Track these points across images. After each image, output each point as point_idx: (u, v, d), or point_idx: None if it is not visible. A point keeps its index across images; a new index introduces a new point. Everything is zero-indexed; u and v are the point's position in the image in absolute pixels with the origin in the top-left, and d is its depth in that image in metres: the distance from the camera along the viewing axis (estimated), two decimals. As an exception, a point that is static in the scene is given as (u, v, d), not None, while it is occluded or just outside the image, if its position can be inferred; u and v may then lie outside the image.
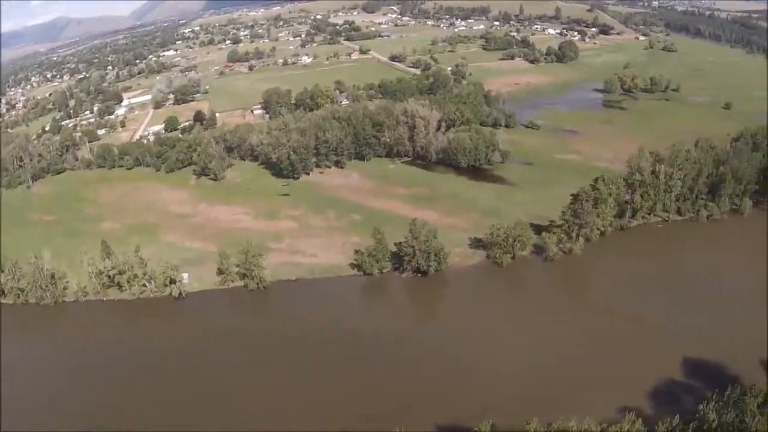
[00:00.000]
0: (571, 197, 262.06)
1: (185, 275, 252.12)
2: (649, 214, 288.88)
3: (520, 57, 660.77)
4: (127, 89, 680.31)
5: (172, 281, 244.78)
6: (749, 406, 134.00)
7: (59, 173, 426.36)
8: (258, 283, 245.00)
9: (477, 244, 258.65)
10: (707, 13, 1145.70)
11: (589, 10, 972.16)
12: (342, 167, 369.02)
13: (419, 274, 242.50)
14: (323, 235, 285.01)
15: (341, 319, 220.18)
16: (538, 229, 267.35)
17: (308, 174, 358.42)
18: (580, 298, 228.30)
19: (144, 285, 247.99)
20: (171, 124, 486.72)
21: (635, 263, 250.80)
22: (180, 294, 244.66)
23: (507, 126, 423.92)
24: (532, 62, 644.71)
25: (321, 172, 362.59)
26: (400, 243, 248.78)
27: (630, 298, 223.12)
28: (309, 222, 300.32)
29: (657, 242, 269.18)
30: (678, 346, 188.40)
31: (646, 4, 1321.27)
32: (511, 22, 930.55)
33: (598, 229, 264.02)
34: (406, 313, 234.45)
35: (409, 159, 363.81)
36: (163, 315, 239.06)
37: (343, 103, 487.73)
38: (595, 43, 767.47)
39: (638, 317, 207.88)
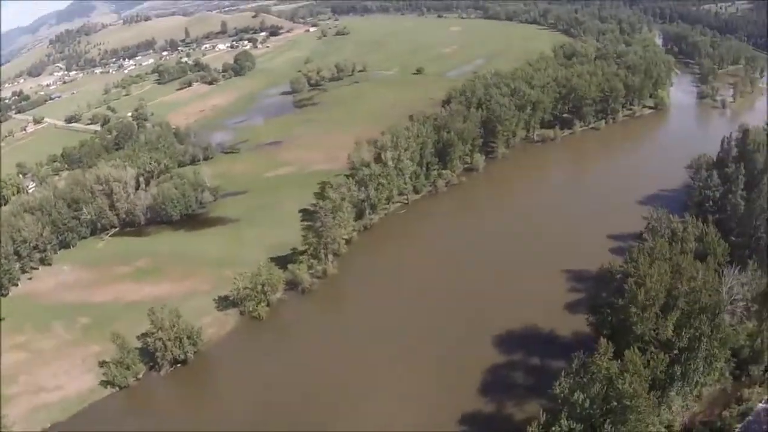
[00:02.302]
0: (304, 214, 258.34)
1: None
2: (388, 203, 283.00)
3: (197, 82, 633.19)
4: None
5: None
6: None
7: None
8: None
9: (226, 303, 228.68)
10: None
11: (254, 16, 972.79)
12: (50, 264, 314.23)
13: (179, 364, 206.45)
14: (60, 356, 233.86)
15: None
16: (282, 261, 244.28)
17: (17, 285, 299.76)
18: (350, 335, 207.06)
19: None
20: None
21: (389, 265, 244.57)
22: None
23: (207, 159, 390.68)
24: (211, 84, 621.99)
25: (30, 278, 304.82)
26: (145, 335, 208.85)
27: (394, 316, 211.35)
28: (39, 346, 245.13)
29: (404, 231, 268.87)
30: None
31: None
32: (179, 48, 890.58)
33: (342, 238, 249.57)
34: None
35: (117, 229, 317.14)
36: None
37: (30, 188, 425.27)
38: (268, 47, 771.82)
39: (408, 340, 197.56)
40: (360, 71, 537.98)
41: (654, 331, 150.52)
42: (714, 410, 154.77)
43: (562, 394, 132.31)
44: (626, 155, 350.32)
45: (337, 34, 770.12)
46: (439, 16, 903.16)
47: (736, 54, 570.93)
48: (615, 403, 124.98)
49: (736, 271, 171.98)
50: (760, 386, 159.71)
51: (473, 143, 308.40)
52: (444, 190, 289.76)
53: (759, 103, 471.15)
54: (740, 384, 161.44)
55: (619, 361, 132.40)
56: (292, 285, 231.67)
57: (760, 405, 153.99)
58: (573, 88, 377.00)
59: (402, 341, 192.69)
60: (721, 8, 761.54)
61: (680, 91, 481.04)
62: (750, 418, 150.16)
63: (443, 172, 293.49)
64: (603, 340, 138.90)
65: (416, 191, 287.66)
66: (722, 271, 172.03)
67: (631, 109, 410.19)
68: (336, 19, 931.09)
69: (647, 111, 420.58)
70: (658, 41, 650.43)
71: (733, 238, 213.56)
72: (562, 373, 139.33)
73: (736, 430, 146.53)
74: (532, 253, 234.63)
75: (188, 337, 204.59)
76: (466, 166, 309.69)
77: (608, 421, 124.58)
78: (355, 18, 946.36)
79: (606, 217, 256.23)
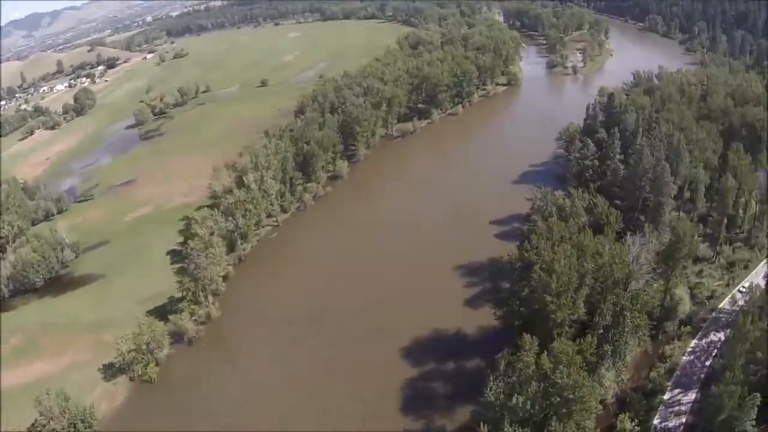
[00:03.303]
0: (173, 256, 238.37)
1: None
2: (258, 228, 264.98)
3: (39, 128, 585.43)
4: None
5: None
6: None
7: None
8: None
9: (113, 371, 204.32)
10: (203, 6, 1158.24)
11: (89, 51, 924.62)
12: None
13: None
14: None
15: None
16: (162, 312, 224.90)
17: None
18: (246, 383, 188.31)
19: None
20: None
21: (273, 296, 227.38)
22: None
23: (61, 212, 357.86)
24: (53, 128, 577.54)
25: None
26: (34, 426, 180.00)
27: (290, 351, 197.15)
28: None
29: (280, 255, 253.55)
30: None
31: (140, 23, 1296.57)
32: (17, 95, 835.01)
33: (219, 276, 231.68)
34: None
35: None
36: None
37: None
38: (107, 81, 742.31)
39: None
40: (204, 92, 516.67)
41: (572, 314, 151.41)
42: (640, 373, 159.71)
43: (498, 400, 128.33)
44: (489, 136, 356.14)
45: (176, 57, 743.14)
46: (277, 24, 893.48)
47: (579, 20, 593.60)
48: (557, 399, 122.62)
49: (637, 238, 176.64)
50: (678, 340, 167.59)
51: (334, 150, 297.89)
52: (312, 203, 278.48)
53: (609, 64, 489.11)
54: (658, 343, 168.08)
55: (546, 353, 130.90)
56: (178, 336, 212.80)
57: (684, 358, 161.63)
58: (426, 77, 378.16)
59: (306, 378, 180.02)
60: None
61: (530, 64, 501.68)
62: (677, 372, 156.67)
63: (308, 185, 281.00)
64: (526, 336, 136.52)
65: (284, 210, 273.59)
66: (624, 240, 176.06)
67: (485, 89, 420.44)
68: (172, 42, 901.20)
69: (501, 88, 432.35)
70: (500, 18, 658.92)
71: (618, 202, 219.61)
72: (491, 378, 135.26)
73: (668, 386, 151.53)
74: (417, 254, 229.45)
75: (82, 421, 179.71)
76: (330, 174, 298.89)
77: (554, 418, 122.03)
78: (191, 38, 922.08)
79: (483, 203, 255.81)
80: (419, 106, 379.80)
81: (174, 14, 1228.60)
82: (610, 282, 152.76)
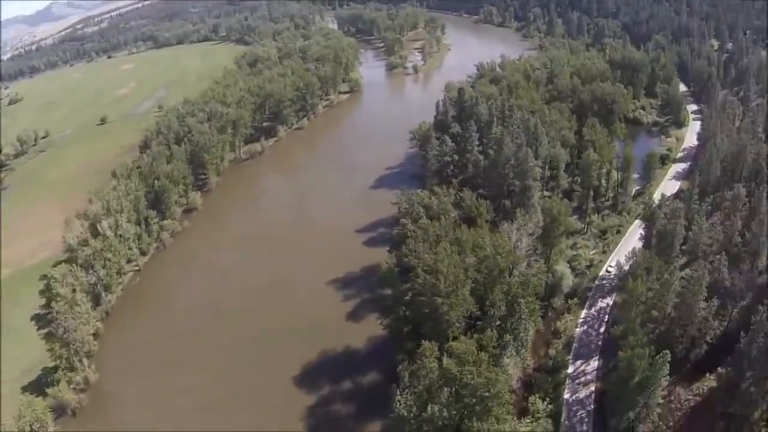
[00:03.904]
0: (38, 321, 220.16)
1: None
2: (120, 276, 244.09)
3: None
4: None
5: None
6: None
7: None
8: None
9: None
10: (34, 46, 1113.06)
11: None
12: None
13: None
14: None
15: None
16: (38, 386, 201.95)
17: None
18: None
19: None
20: None
21: (147, 348, 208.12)
22: None
23: None
24: None
25: None
26: None
27: (177, 406, 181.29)
28: None
29: (148, 303, 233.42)
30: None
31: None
32: None
33: (90, 335, 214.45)
34: None
35: None
36: None
37: None
38: None
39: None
40: (43, 138, 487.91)
41: (465, 312, 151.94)
42: (539, 353, 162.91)
43: (411, 413, 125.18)
44: (339, 146, 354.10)
45: (11, 103, 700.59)
46: (110, 57, 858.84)
47: (414, 19, 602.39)
48: (472, 399, 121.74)
49: (514, 225, 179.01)
50: (568, 314, 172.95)
51: (185, 182, 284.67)
52: (171, 241, 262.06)
53: (448, 60, 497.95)
54: (549, 320, 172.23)
55: (447, 355, 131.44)
56: (61, 410, 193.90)
57: (578, 330, 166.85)
58: (268, 95, 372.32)
59: (201, 423, 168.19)
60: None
61: (370, 68, 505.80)
62: (575, 344, 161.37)
63: (164, 223, 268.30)
64: (426, 343, 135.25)
65: (143, 253, 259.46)
66: (500, 229, 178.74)
67: (328, 99, 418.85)
68: (7, 87, 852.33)
69: (344, 96, 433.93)
70: (334, 26, 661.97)
71: (483, 192, 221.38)
72: (397, 391, 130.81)
73: (569, 360, 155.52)
74: (287, 276, 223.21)
75: None
76: (184, 207, 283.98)
77: (473, 418, 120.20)
78: (25, 81, 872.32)
79: (345, 213, 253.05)
80: (264, 124, 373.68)
81: (5, 57, 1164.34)
82: (496, 272, 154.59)
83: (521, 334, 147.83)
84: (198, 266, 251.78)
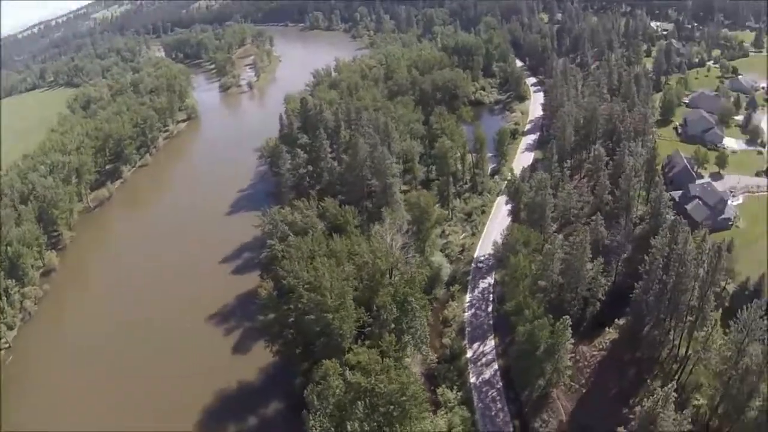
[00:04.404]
0: None
1: None
2: None
3: None
4: None
5: None
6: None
7: None
8: None
9: None
10: None
11: None
12: None
13: None
14: None
15: None
16: None
17: None
18: None
19: None
20: None
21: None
22: None
23: None
24: None
25: None
26: None
27: None
28: None
29: (25, 382, 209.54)
30: None
31: None
32: None
33: None
34: None
35: None
36: None
37: None
38: None
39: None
40: None
41: (357, 322, 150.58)
42: (434, 344, 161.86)
43: None
44: (186, 177, 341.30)
45: None
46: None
47: (242, 35, 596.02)
48: (390, 407, 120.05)
49: (386, 224, 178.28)
50: (453, 301, 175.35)
51: (38, 243, 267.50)
52: (35, 309, 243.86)
53: (281, 71, 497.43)
54: (435, 310, 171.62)
55: (350, 369, 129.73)
56: None
57: (466, 314, 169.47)
58: (107, 135, 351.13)
59: None
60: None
61: (204, 92, 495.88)
62: (467, 329, 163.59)
63: (25, 290, 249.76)
64: (327, 362, 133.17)
65: (10, 327, 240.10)
66: (372, 232, 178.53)
67: (167, 130, 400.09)
68: None
69: (183, 125, 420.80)
70: (161, 54, 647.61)
71: (342, 198, 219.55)
72: (309, 416, 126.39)
73: (466, 345, 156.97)
74: (162, 323, 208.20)
75: None
76: (42, 270, 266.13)
77: (394, 424, 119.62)
78: None
79: (206, 244, 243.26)
80: (107, 167, 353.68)
81: None
82: (379, 276, 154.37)
83: (419, 332, 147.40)
84: (65, 333, 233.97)
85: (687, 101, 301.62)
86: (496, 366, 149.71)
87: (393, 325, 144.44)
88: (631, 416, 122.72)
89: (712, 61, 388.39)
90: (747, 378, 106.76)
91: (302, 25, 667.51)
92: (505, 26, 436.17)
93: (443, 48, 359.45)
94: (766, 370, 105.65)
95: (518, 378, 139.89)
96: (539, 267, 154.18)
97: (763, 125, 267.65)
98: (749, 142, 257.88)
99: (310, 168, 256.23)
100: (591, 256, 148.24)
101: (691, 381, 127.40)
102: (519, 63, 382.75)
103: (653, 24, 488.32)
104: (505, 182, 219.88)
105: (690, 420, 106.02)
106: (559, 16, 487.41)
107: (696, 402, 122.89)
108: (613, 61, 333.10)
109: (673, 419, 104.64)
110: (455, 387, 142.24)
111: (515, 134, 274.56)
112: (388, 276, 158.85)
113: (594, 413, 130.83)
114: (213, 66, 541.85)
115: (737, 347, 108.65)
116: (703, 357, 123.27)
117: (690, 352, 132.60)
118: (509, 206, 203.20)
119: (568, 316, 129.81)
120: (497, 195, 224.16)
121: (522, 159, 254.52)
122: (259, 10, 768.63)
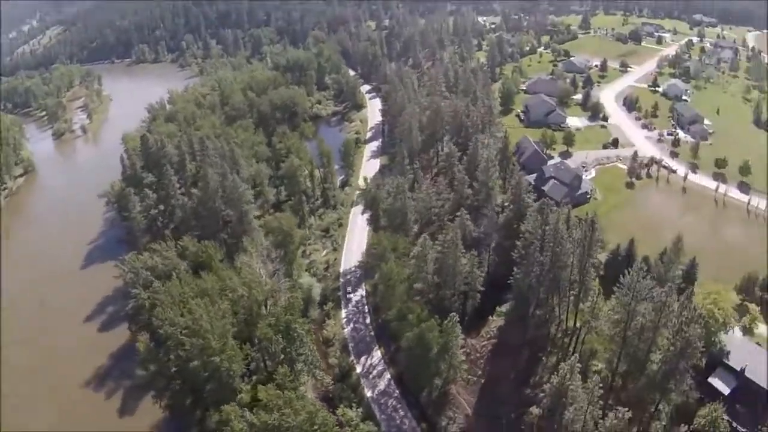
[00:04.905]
0: None
1: None
2: None
3: None
4: None
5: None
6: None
7: None
8: None
9: None
10: None
11: None
12: None
13: None
14: None
15: None
16: None
17: None
18: None
19: None
20: None
21: None
22: None
23: None
24: None
25: None
26: None
27: None
28: None
29: None
30: None
31: None
32: None
33: None
34: None
35: None
36: None
37: None
38: None
39: None
40: None
41: (245, 358, 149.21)
42: (322, 366, 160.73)
43: None
44: (32, 235, 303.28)
45: None
46: None
47: (69, 78, 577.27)
48: None
49: (253, 252, 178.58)
50: (330, 319, 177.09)
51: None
52: None
53: (114, 111, 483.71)
54: (314, 332, 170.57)
55: (251, 411, 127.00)
56: None
57: (345, 330, 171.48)
58: None
59: None
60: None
61: (38, 141, 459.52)
62: (351, 344, 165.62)
63: None
64: (228, 407, 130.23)
65: None
66: (241, 263, 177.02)
67: (6, 188, 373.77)
68: None
69: (21, 180, 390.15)
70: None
71: (197, 233, 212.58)
72: None
73: (353, 361, 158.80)
74: (34, 397, 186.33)
75: None
76: None
77: None
78: None
79: (64, 308, 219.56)
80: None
81: None
82: (256, 308, 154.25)
83: (309, 357, 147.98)
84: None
85: (525, 88, 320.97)
86: (388, 375, 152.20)
87: (282, 356, 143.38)
88: (535, 395, 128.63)
89: (542, 47, 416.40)
90: (643, 335, 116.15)
91: (128, 60, 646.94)
92: (334, 38, 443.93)
93: (275, 66, 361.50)
94: (660, 325, 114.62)
95: (413, 382, 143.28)
96: (413, 270, 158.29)
97: (602, 100, 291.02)
98: (591, 118, 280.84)
99: (161, 207, 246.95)
100: (463, 250, 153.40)
101: (585, 350, 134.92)
102: (352, 72, 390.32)
103: (480, 19, 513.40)
104: (357, 192, 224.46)
105: (600, 385, 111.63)
106: (386, 22, 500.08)
107: (595, 368, 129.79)
108: (446, 58, 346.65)
109: (582, 387, 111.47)
110: (353, 405, 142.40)
111: (357, 143, 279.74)
112: (264, 307, 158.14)
113: (497, 401, 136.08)
114: (44, 113, 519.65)
115: (626, 309, 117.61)
116: (594, 325, 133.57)
117: (578, 323, 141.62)
118: (366, 216, 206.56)
119: (454, 313, 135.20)
120: (351, 206, 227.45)
121: (368, 167, 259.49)
122: (83, 48, 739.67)
